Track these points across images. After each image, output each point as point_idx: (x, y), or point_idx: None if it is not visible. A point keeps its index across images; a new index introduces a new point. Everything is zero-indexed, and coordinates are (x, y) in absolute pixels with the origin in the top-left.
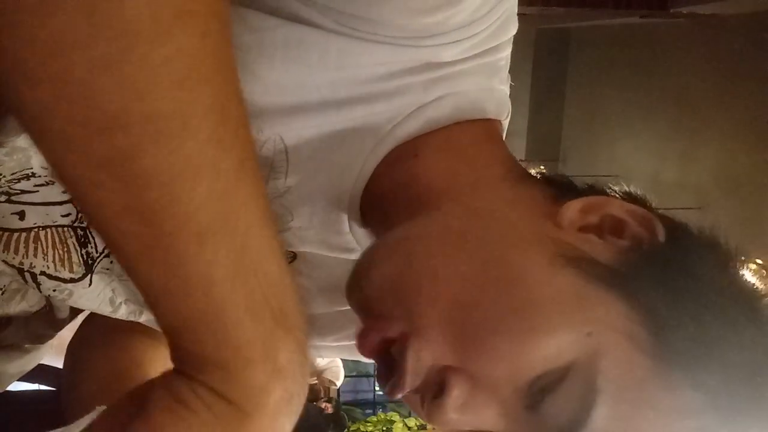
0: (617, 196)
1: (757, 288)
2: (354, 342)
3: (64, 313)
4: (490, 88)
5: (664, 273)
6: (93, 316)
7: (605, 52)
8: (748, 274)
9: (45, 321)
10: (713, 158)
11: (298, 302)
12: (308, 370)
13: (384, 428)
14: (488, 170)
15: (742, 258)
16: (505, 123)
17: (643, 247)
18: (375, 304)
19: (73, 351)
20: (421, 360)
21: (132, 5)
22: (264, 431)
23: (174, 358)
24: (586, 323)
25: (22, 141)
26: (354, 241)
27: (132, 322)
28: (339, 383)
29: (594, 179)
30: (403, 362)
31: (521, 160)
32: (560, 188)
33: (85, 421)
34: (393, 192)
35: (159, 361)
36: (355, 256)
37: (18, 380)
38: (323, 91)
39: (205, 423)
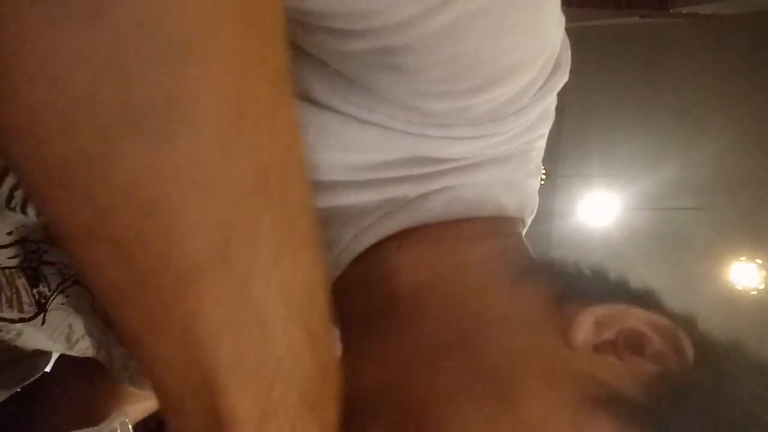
0: (628, 295)
1: None
2: None
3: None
4: (510, 182)
5: (702, 410)
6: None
7: (605, 52)
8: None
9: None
10: (713, 158)
11: (323, 386)
12: None
13: None
14: (483, 272)
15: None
16: (529, 220)
17: (674, 373)
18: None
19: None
20: None
21: None
22: None
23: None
24: None
25: None
26: None
27: (90, 372)
28: None
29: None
30: None
31: None
32: (564, 282)
33: (103, 430)
34: (365, 286)
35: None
36: None
37: None
38: (315, 172)
39: None
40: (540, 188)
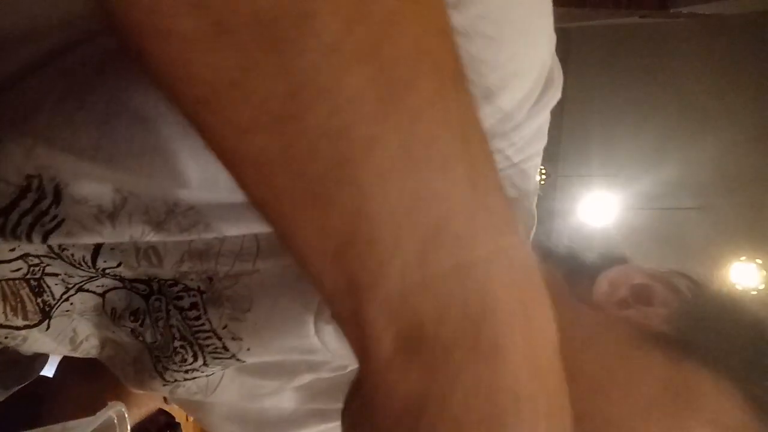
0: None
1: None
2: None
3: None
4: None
5: (709, 327)
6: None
7: (605, 52)
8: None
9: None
10: (713, 158)
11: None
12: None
13: None
14: None
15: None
16: (530, 236)
17: (684, 309)
18: None
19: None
20: None
21: None
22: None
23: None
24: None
25: None
26: (319, 343)
27: (94, 373)
28: None
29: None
30: None
31: None
32: (568, 264)
33: (100, 417)
34: None
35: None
36: (316, 356)
37: None
38: None
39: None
40: (540, 188)
